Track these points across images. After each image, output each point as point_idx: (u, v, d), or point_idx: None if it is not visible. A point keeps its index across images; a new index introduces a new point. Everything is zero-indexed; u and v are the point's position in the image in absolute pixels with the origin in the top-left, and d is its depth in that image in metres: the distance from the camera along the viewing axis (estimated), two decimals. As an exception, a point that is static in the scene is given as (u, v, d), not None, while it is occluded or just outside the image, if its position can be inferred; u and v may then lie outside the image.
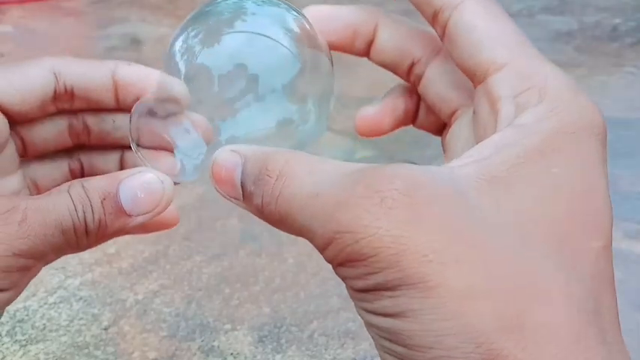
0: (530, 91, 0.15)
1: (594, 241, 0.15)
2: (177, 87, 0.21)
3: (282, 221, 0.16)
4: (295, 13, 0.20)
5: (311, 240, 0.16)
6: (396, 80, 0.28)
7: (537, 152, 0.15)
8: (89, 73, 0.21)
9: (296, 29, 0.20)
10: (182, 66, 0.20)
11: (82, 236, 0.21)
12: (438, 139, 0.29)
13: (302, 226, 0.16)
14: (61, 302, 0.86)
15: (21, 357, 0.74)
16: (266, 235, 1.14)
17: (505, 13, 0.17)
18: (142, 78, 0.21)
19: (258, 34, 0.20)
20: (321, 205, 0.15)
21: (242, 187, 0.18)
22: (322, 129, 0.22)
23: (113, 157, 0.26)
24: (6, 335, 0.93)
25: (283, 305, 1.01)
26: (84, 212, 0.20)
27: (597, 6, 2.52)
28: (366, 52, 0.20)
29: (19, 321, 0.95)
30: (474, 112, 0.17)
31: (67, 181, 0.25)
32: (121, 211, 0.21)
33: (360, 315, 0.16)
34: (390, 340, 0.15)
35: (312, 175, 0.16)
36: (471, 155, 0.16)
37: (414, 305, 0.14)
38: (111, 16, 2.04)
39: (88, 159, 0.27)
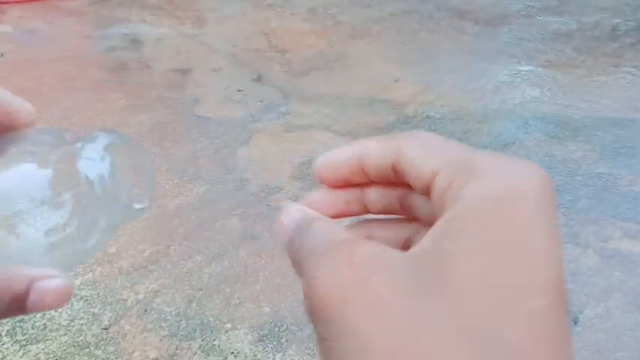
0: (461, 177, 0.17)
1: (531, 301, 0.15)
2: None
3: (299, 263, 0.20)
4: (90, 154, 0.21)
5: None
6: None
7: (471, 219, 0.17)
8: None
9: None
10: None
11: None
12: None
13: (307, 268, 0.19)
14: (61, 302, 0.86)
15: (21, 357, 0.74)
16: (266, 235, 1.13)
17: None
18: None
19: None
20: (317, 257, 0.18)
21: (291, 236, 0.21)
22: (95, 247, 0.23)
23: None
24: (6, 335, 0.93)
25: (283, 305, 1.00)
26: None
27: (597, 6, 2.51)
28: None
29: (19, 321, 0.95)
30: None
31: None
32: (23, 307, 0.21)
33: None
34: None
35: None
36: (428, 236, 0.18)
37: (349, 357, 0.16)
38: (111, 16, 2.04)
39: None
